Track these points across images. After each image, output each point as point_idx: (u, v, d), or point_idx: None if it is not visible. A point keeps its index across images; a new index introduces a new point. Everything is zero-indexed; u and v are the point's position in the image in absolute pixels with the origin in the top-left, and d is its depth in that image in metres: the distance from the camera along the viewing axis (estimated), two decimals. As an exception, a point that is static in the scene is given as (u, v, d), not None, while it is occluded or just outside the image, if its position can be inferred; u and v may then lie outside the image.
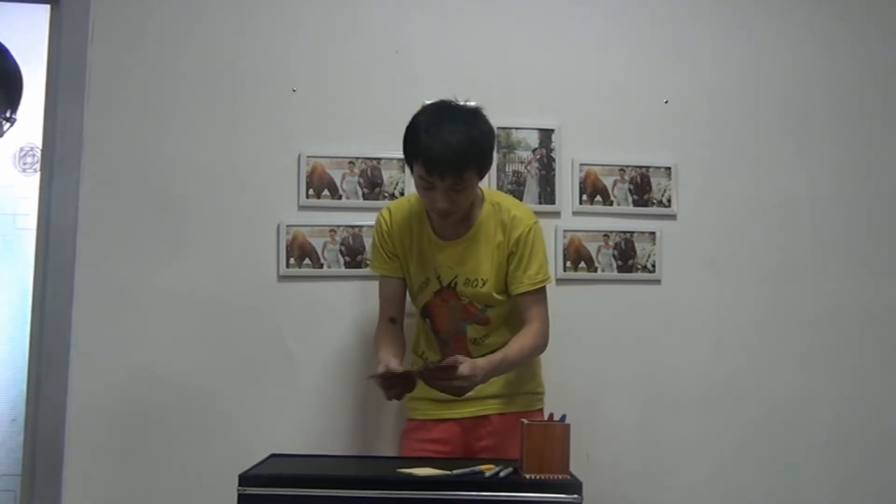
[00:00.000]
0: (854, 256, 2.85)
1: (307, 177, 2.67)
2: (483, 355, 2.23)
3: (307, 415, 2.64)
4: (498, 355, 2.20)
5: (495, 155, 2.71)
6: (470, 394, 2.27)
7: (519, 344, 2.24)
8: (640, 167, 2.78)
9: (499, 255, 2.28)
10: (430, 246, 2.32)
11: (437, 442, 2.35)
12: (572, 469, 1.90)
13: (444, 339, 2.37)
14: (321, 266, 2.66)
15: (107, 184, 2.63)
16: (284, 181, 2.68)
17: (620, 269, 2.76)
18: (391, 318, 2.36)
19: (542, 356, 2.61)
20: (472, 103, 2.23)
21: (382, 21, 2.76)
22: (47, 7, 2.70)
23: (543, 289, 2.31)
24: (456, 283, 2.30)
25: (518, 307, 2.30)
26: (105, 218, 2.62)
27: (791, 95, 2.87)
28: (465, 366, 2.07)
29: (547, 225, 2.73)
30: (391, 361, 2.15)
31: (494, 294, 2.29)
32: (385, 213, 2.38)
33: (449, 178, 2.12)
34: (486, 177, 2.68)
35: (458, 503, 1.81)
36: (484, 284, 2.28)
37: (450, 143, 2.09)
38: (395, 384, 2.11)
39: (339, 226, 2.67)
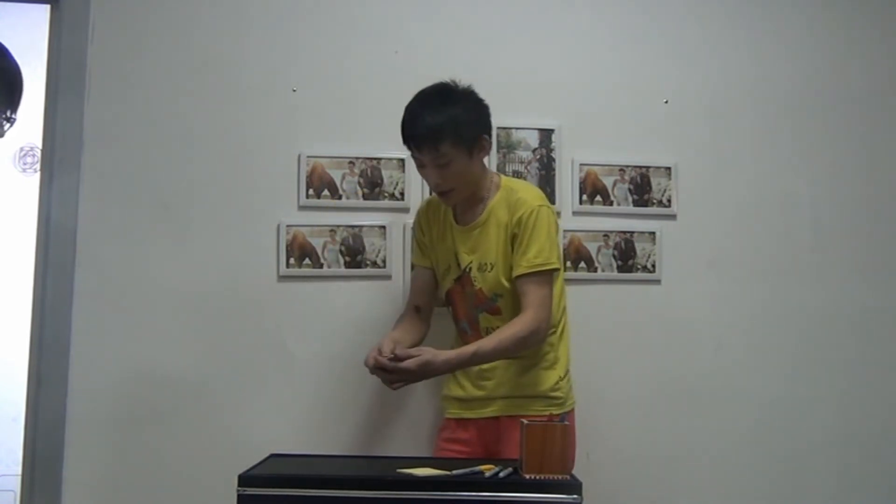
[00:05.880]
0: (854, 256, 2.85)
1: (307, 177, 2.67)
2: None
3: (307, 415, 2.63)
4: (471, 347, 2.19)
5: (495, 154, 2.72)
6: (483, 394, 2.31)
7: (498, 336, 2.19)
8: (640, 167, 2.78)
9: (505, 236, 2.27)
10: (451, 232, 2.37)
11: (458, 442, 2.36)
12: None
13: (463, 327, 2.38)
14: (321, 266, 2.66)
15: (107, 184, 2.63)
16: (284, 181, 2.68)
17: (620, 269, 2.76)
18: (416, 306, 2.41)
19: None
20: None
21: (382, 21, 2.76)
22: (47, 7, 2.69)
23: (545, 274, 2.23)
24: (471, 269, 2.32)
25: (517, 293, 2.25)
26: (105, 218, 2.62)
27: (791, 95, 2.87)
28: (414, 361, 2.08)
29: (547, 225, 2.74)
30: (383, 344, 2.16)
31: (503, 280, 2.28)
32: (422, 204, 2.50)
33: (426, 150, 2.20)
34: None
35: (458, 503, 1.81)
36: (492, 269, 2.29)
37: (423, 117, 2.19)
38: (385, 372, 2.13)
39: (339, 226, 2.67)
